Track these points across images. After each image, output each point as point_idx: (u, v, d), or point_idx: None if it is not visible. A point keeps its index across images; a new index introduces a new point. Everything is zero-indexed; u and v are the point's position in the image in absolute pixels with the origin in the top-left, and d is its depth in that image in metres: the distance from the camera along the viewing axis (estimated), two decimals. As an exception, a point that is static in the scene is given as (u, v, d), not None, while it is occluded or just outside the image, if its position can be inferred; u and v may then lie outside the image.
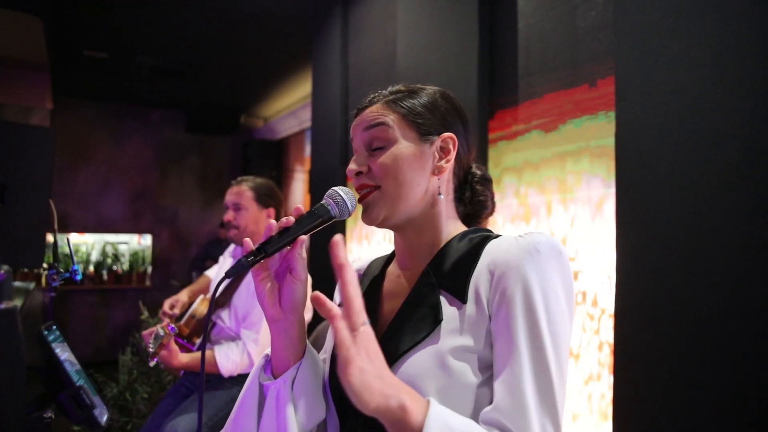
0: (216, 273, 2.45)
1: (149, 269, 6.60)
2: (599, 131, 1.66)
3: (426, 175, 0.84)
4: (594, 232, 1.65)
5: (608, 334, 1.59)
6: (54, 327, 0.77)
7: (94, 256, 6.42)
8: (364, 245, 2.88)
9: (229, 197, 2.15)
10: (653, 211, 1.33)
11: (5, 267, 0.69)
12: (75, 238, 6.43)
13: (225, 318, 2.12)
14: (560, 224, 1.78)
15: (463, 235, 0.85)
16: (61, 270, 2.07)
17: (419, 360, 0.74)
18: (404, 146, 0.83)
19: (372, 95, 0.89)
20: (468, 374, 0.72)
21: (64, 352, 0.77)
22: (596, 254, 1.64)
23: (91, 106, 6.32)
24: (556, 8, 1.81)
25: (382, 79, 2.68)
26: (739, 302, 1.15)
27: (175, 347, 1.88)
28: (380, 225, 0.85)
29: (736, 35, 1.19)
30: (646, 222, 1.35)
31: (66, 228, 6.16)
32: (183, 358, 1.90)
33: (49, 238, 2.22)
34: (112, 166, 6.42)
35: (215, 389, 2.03)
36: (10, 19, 3.17)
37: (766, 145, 1.13)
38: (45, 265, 2.19)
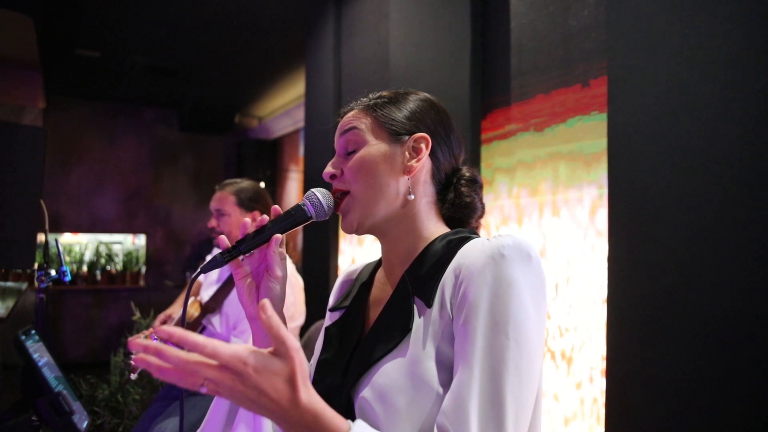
0: (204, 279, 2.43)
1: (143, 269, 6.57)
2: (591, 131, 1.65)
3: (396, 175, 0.83)
4: (587, 234, 1.64)
5: (600, 341, 1.58)
6: (33, 332, 0.75)
7: (88, 256, 6.39)
8: (355, 246, 2.86)
9: (212, 203, 2.13)
10: (646, 211, 1.32)
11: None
12: (68, 238, 6.39)
13: (216, 324, 2.10)
14: (552, 225, 1.77)
15: (443, 237, 0.83)
16: (50, 271, 2.05)
17: (389, 370, 0.74)
18: (373, 147, 0.83)
19: (352, 103, 0.91)
20: (434, 382, 0.71)
21: (42, 357, 0.75)
22: (589, 257, 1.63)
23: (84, 105, 6.28)
24: (548, 7, 1.80)
25: (375, 79, 2.67)
26: (734, 305, 1.14)
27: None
28: (357, 231, 0.85)
29: (729, 34, 1.19)
30: (639, 223, 1.34)
31: (59, 228, 6.13)
32: None
33: (40, 238, 2.20)
34: (105, 166, 6.39)
35: (199, 395, 2.01)
36: (1, 20, 3.14)
37: (760, 145, 1.12)
38: (35, 266, 2.17)
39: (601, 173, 1.60)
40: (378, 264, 0.96)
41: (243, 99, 6.31)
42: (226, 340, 2.03)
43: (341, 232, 3.01)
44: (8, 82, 4.99)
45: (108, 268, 6.38)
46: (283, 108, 6.24)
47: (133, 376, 1.83)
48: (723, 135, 1.19)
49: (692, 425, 1.19)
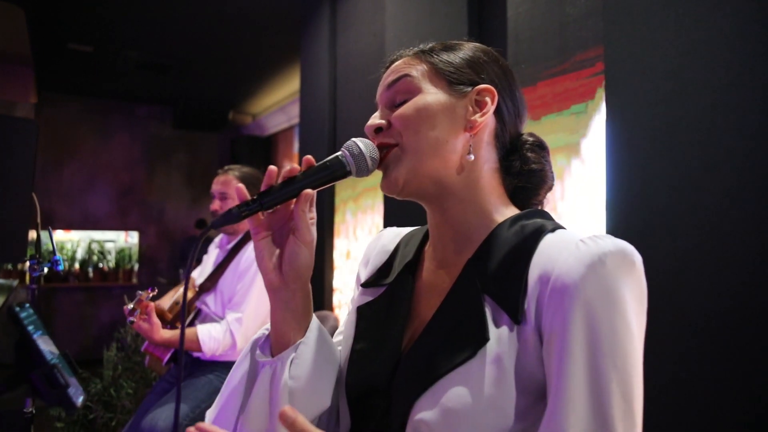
0: (200, 270, 2.41)
1: (136, 267, 6.53)
2: (588, 119, 1.65)
3: (456, 131, 0.70)
4: (586, 222, 1.64)
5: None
6: (28, 305, 0.74)
7: (80, 254, 6.34)
8: (351, 240, 2.85)
9: (216, 186, 2.14)
10: (644, 197, 1.33)
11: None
12: (60, 235, 6.34)
13: (210, 303, 2.11)
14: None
15: (514, 220, 0.70)
16: (42, 261, 2.03)
17: (460, 391, 0.61)
18: (431, 96, 0.70)
19: (401, 51, 0.78)
20: (511, 409, 0.60)
21: (37, 330, 0.74)
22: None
23: (76, 101, 6.24)
24: (545, -3, 1.80)
25: (370, 71, 2.66)
26: (738, 305, 1.15)
27: (156, 321, 1.86)
28: (402, 191, 0.72)
29: (725, 22, 1.19)
30: (637, 211, 1.34)
31: (51, 225, 6.07)
32: (164, 334, 1.88)
33: (32, 233, 2.17)
34: (97, 163, 6.35)
35: (197, 380, 2.00)
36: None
37: (756, 131, 1.13)
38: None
39: (598, 161, 1.60)
40: (423, 239, 0.81)
41: (237, 96, 6.29)
42: (221, 317, 2.04)
43: (336, 227, 3.00)
44: (3, 78, 4.94)
45: (100, 265, 6.34)
46: (278, 104, 6.22)
47: (130, 320, 1.83)
48: (720, 121, 1.19)
49: (690, 425, 1.19)
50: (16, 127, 2.06)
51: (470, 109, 0.71)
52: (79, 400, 0.74)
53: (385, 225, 2.44)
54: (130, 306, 1.83)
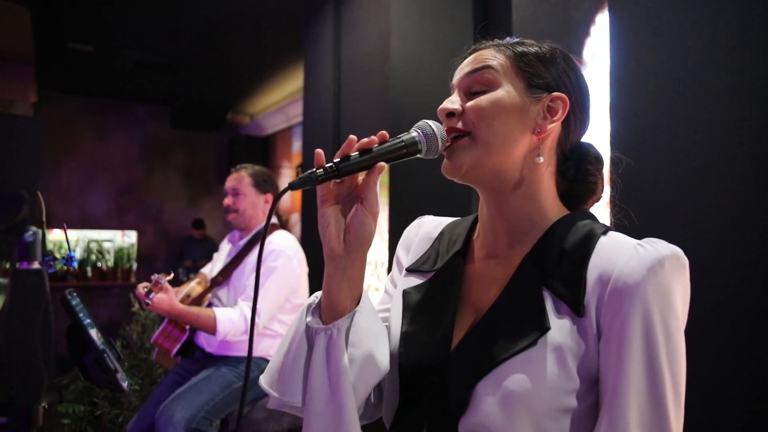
0: (211, 267, 2.45)
1: (134, 266, 6.54)
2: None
3: (525, 132, 0.73)
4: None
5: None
6: (75, 293, 0.78)
7: (78, 253, 6.35)
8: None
9: (229, 183, 2.20)
10: (647, 198, 1.38)
11: (33, 228, 0.70)
12: (58, 234, 6.34)
13: (222, 297, 2.15)
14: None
15: (569, 219, 0.74)
16: (57, 257, 2.06)
17: (522, 376, 0.65)
18: (507, 93, 0.73)
19: (488, 41, 0.80)
20: (571, 397, 0.64)
21: (85, 318, 0.78)
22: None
23: (75, 101, 6.24)
24: (549, 0, 1.85)
25: (375, 72, 2.71)
26: (737, 301, 1.19)
27: (172, 290, 1.89)
28: (465, 176, 0.74)
29: (729, 24, 1.24)
30: (640, 209, 1.39)
31: (49, 224, 6.07)
32: (180, 305, 1.91)
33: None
34: (96, 162, 6.35)
35: (211, 373, 2.04)
36: (-3, 9, 3.12)
37: (759, 131, 1.18)
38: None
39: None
40: (470, 229, 0.84)
41: (235, 96, 6.31)
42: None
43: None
44: (2, 77, 4.94)
45: (99, 264, 6.34)
46: (276, 104, 6.25)
47: (147, 301, 1.89)
48: (723, 120, 1.24)
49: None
50: (21, 126, 2.08)
51: (542, 113, 0.74)
52: (125, 384, 0.79)
53: (390, 222, 2.48)
54: (146, 288, 1.86)
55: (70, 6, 3.99)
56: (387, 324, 0.81)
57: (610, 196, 1.43)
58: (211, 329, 1.95)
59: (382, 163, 0.70)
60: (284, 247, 2.08)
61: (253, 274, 2.05)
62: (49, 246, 5.27)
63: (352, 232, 0.71)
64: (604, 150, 1.60)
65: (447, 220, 0.90)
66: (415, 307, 0.79)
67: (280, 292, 2.04)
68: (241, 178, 2.19)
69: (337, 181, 0.71)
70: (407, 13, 2.45)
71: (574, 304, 0.66)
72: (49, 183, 6.03)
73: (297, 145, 6.25)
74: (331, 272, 0.72)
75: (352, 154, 0.69)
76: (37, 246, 0.71)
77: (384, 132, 0.72)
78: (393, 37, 2.52)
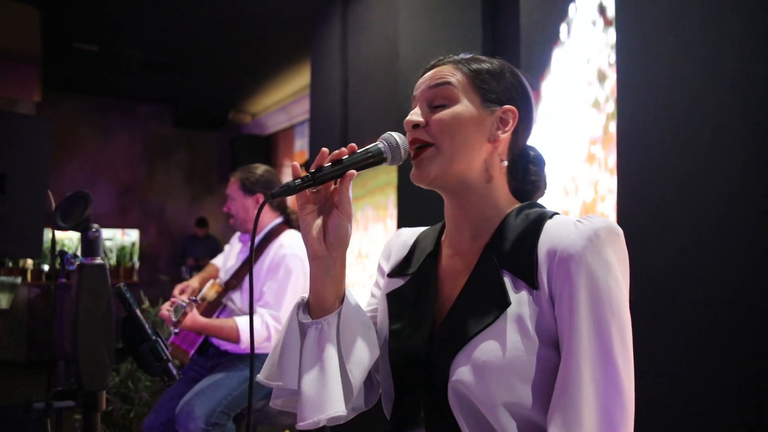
0: (223, 260, 2.50)
1: (137, 264, 6.58)
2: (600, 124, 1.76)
3: (482, 141, 0.83)
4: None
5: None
6: (126, 287, 0.83)
7: (80, 252, 6.37)
8: (361, 232, 2.95)
9: (227, 190, 2.26)
10: (653, 200, 1.43)
11: (95, 226, 0.75)
12: (59, 234, 6.37)
13: (236, 300, 2.18)
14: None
15: (518, 210, 0.84)
16: (78, 254, 2.10)
17: (490, 346, 0.74)
18: (465, 107, 0.83)
19: (441, 57, 0.89)
20: (532, 357, 0.73)
21: (136, 310, 0.83)
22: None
23: (78, 100, 6.27)
24: (557, 4, 1.91)
25: (382, 74, 2.76)
26: (741, 299, 1.25)
27: (195, 312, 1.95)
28: (431, 183, 0.84)
29: (734, 30, 1.30)
30: (645, 211, 1.45)
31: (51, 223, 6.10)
32: (201, 320, 1.96)
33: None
34: (98, 161, 6.39)
35: (228, 370, 2.09)
36: (6, 9, 3.16)
37: (759, 134, 1.24)
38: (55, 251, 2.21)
39: (610, 164, 1.71)
40: (440, 233, 0.94)
41: (237, 95, 6.35)
42: (247, 313, 2.11)
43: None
44: (4, 75, 4.97)
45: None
46: (278, 104, 6.30)
47: (175, 331, 1.95)
48: (728, 126, 1.30)
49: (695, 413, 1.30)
50: (32, 125, 2.12)
51: (495, 124, 0.84)
52: (176, 372, 0.84)
53: (399, 219, 2.54)
54: (174, 318, 1.91)
55: (76, 6, 4.01)
56: (375, 322, 0.92)
57: (617, 195, 1.49)
58: (235, 339, 2.00)
59: (352, 171, 0.79)
60: (296, 250, 2.12)
61: (268, 280, 2.09)
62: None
63: (331, 233, 0.81)
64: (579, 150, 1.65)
65: (422, 229, 1.01)
66: (399, 306, 0.89)
67: (296, 295, 2.08)
68: (232, 182, 2.24)
69: (314, 190, 0.80)
70: (415, 15, 2.50)
71: (529, 279, 0.76)
72: (51, 181, 6.03)
73: (299, 144, 6.30)
74: (315, 272, 0.82)
75: (325, 165, 0.79)
76: (99, 242, 0.76)
77: (353, 144, 0.81)
78: (401, 41, 2.57)
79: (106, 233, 6.63)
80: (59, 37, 4.56)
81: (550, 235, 0.77)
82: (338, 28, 3.12)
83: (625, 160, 1.52)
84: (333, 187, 0.82)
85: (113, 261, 6.45)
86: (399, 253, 0.98)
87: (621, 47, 1.55)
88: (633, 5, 1.52)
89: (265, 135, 6.85)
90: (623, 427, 0.69)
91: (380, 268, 1.01)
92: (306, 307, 0.85)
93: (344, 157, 0.80)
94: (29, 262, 6.00)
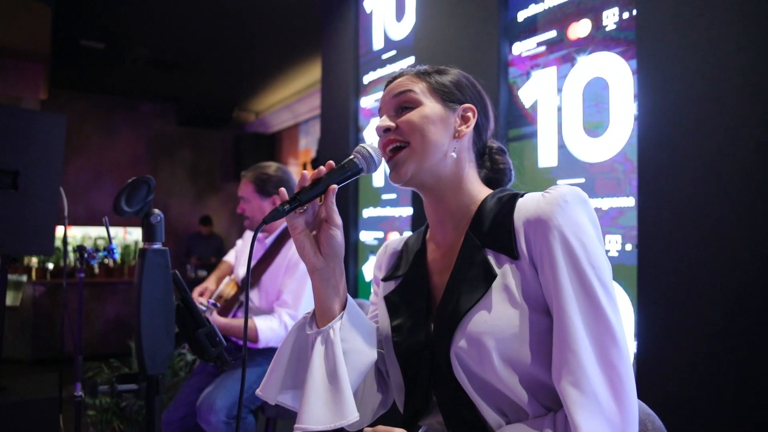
0: (236, 255, 2.50)
1: (141, 263, 6.57)
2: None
3: (448, 136, 0.91)
4: (617, 204, 1.76)
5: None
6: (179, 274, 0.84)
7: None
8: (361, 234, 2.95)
9: (238, 190, 2.25)
10: (674, 193, 1.44)
11: (156, 211, 0.76)
12: (61, 231, 6.35)
13: (254, 298, 2.18)
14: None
15: (492, 195, 0.92)
16: (99, 249, 2.10)
17: (482, 318, 0.81)
18: (429, 108, 0.91)
19: (400, 70, 0.98)
20: (525, 325, 0.79)
21: (191, 295, 0.84)
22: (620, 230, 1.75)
23: (82, 98, 6.26)
24: None
25: (398, 67, 2.76)
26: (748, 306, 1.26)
27: (214, 313, 1.97)
28: (408, 182, 0.92)
29: (755, 22, 1.31)
30: (666, 204, 1.46)
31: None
32: (220, 320, 1.97)
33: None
34: (102, 159, 6.38)
35: (249, 365, 2.10)
36: (20, 7, 3.15)
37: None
38: (68, 247, 2.21)
39: (631, 153, 1.72)
40: (424, 232, 1.03)
41: (241, 93, 6.35)
42: (266, 312, 2.12)
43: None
44: (8, 73, 4.96)
45: (105, 261, 6.36)
46: (283, 102, 6.30)
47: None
48: (750, 120, 1.31)
49: (715, 392, 1.31)
50: (45, 122, 2.11)
51: (458, 121, 0.93)
52: (230, 358, 0.84)
53: (413, 223, 2.54)
54: None
55: (86, 3, 4.01)
56: (377, 326, 1.00)
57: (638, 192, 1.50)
58: (254, 339, 2.01)
59: (334, 186, 0.87)
60: None
61: (286, 279, 2.10)
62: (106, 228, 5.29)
63: (325, 245, 0.88)
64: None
65: (408, 235, 1.09)
66: (396, 305, 0.97)
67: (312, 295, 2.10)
68: (246, 184, 2.22)
69: (301, 211, 0.87)
70: (430, 6, 2.50)
71: (509, 251, 0.83)
72: (56, 180, 6.04)
73: (303, 143, 6.30)
74: (316, 284, 0.90)
75: (307, 186, 0.86)
76: (161, 227, 0.76)
77: (331, 162, 0.88)
78: (417, 31, 2.58)
79: (111, 231, 6.61)
80: (67, 34, 4.56)
81: (522, 209, 0.84)
82: (352, 22, 3.12)
83: (645, 153, 1.53)
84: (319, 204, 0.89)
85: (118, 259, 6.44)
86: (390, 259, 1.07)
87: (641, 36, 1.56)
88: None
89: (270, 133, 6.85)
90: (621, 364, 0.74)
91: (375, 277, 1.09)
92: (312, 320, 0.92)
93: (323, 176, 0.87)
94: (34, 260, 5.99)
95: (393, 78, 0.97)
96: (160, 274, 0.72)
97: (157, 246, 0.76)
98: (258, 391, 0.91)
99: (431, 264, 0.97)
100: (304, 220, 0.88)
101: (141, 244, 0.78)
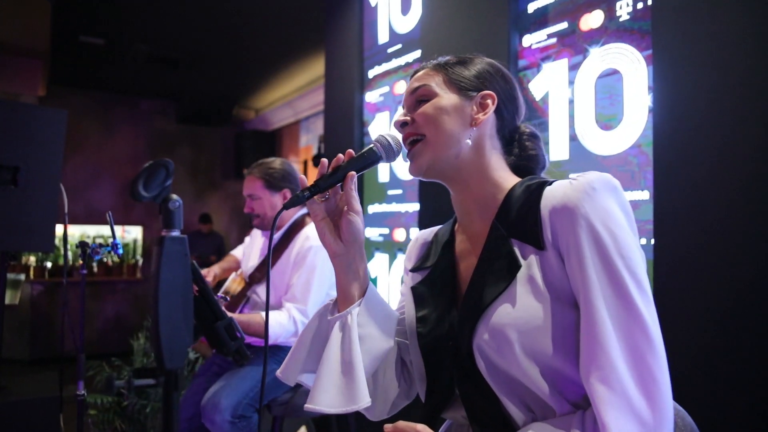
0: (243, 251, 2.47)
1: (140, 261, 6.53)
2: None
3: (464, 126, 0.90)
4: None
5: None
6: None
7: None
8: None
9: (245, 189, 2.19)
10: (690, 186, 1.42)
11: (175, 197, 0.73)
12: (61, 229, 6.31)
13: (261, 294, 2.16)
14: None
15: (520, 184, 0.89)
16: (103, 244, 2.07)
17: (506, 310, 0.78)
18: (444, 99, 0.90)
19: (423, 63, 0.98)
20: (548, 318, 0.76)
21: (209, 287, 0.81)
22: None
23: (81, 95, 6.22)
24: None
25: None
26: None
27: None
28: (426, 174, 0.91)
29: (763, 18, 1.28)
30: (682, 197, 1.44)
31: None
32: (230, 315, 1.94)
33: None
34: (101, 157, 6.33)
35: (253, 363, 2.07)
36: (17, 3, 3.11)
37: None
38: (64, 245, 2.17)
39: (646, 145, 1.69)
40: (453, 224, 1.01)
41: (241, 91, 6.31)
42: (274, 307, 2.09)
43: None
44: (6, 70, 4.91)
45: (105, 260, 6.31)
46: (284, 99, 6.26)
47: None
48: (761, 114, 1.29)
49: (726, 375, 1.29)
50: (46, 117, 2.07)
51: (475, 109, 0.91)
52: (248, 352, 0.81)
53: (420, 221, 2.52)
54: None
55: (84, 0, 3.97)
56: (403, 317, 1.00)
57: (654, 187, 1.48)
58: (262, 334, 1.97)
59: (352, 172, 0.88)
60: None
61: (294, 274, 2.07)
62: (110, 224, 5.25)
63: (345, 231, 0.89)
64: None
65: (439, 227, 1.07)
66: (422, 295, 0.96)
67: (322, 288, 2.06)
68: (253, 181, 2.17)
69: (323, 199, 0.89)
70: (438, 2, 2.47)
71: (535, 242, 0.80)
72: (55, 178, 5.99)
73: (304, 140, 6.27)
74: (338, 270, 0.91)
75: (327, 173, 0.88)
76: (180, 213, 0.73)
77: (350, 150, 0.90)
78: (423, 24, 2.55)
79: (106, 230, 6.57)
80: (67, 30, 4.51)
81: (550, 197, 0.81)
82: (356, 16, 3.09)
83: (661, 146, 1.50)
84: (339, 192, 0.90)
85: (116, 258, 6.40)
86: (420, 251, 1.06)
87: (657, 26, 1.53)
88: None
89: (270, 130, 6.81)
90: (653, 359, 0.70)
91: (405, 268, 1.08)
92: (334, 305, 0.93)
93: (342, 163, 0.88)
94: (32, 258, 5.95)
95: (414, 72, 0.97)
96: (179, 263, 0.70)
97: (176, 233, 0.73)
98: (278, 372, 0.91)
99: (459, 255, 0.95)
100: (325, 207, 0.89)
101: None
